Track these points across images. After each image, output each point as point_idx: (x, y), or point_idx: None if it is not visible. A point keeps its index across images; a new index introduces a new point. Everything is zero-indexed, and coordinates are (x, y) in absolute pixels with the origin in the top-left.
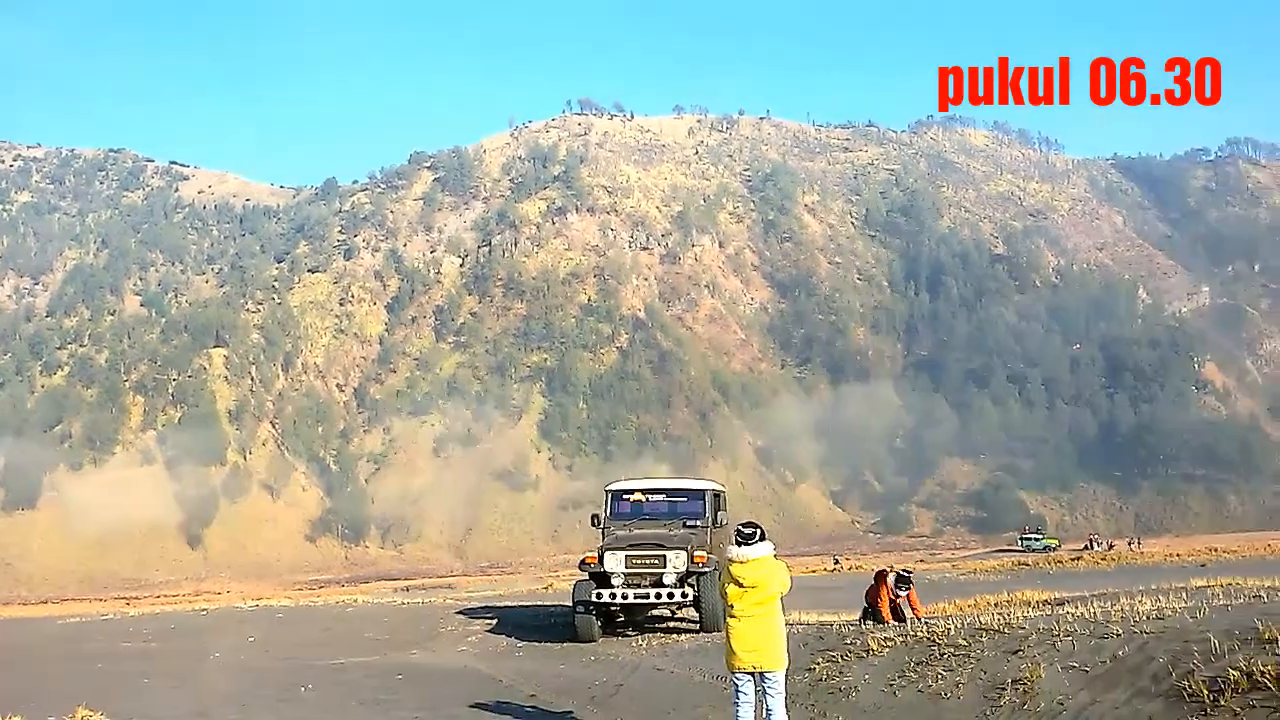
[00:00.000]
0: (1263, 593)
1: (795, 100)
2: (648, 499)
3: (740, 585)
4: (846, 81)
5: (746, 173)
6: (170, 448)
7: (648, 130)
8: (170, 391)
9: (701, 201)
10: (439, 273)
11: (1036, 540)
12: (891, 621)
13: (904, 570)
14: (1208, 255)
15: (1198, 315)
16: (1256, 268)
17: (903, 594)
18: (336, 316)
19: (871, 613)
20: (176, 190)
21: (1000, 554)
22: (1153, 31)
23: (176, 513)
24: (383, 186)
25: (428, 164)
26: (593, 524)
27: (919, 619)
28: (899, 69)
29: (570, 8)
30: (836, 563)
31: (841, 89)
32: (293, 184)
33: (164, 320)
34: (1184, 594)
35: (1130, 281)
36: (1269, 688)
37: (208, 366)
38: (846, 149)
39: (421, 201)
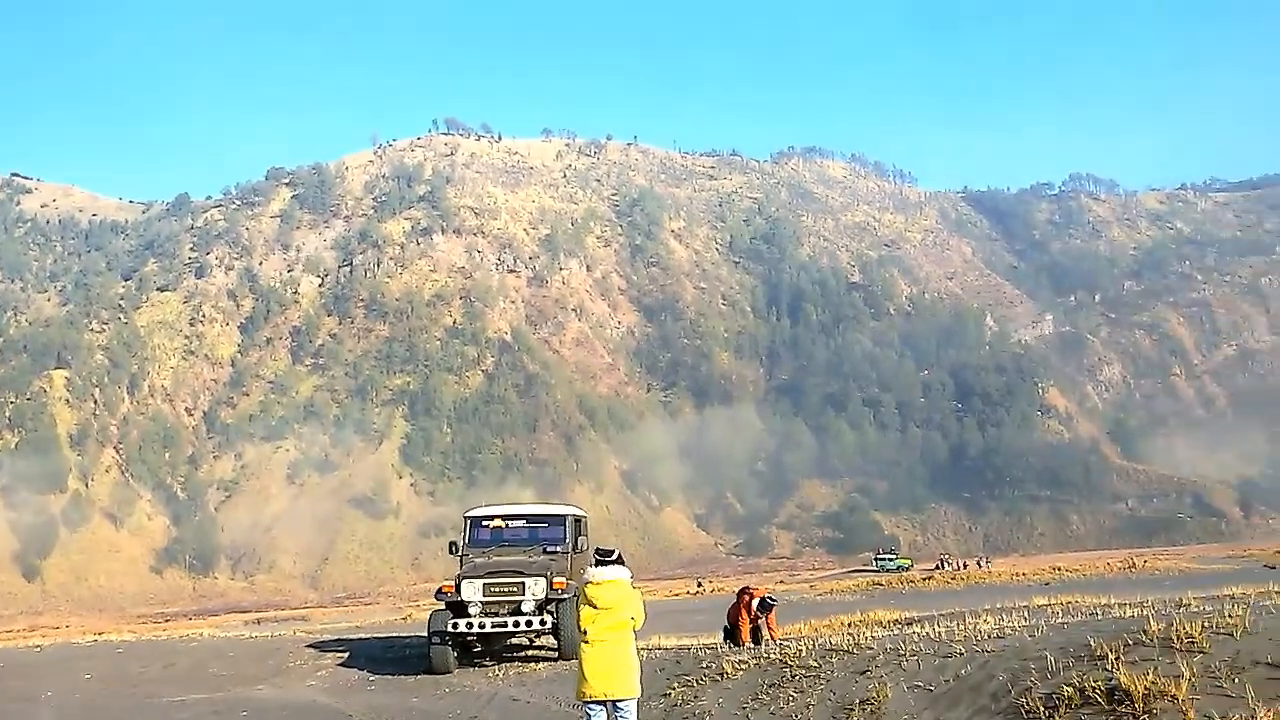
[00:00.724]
0: (1098, 610)
1: (662, 127)
2: (508, 525)
3: (594, 607)
4: (712, 110)
5: (614, 197)
6: (6, 474)
7: (516, 152)
8: (7, 415)
9: (569, 225)
10: (296, 292)
11: (890, 560)
12: (749, 642)
13: (769, 596)
14: (1051, 285)
15: (1041, 343)
16: (1096, 298)
17: (763, 616)
18: (186, 337)
19: (731, 632)
20: (18, 203)
21: (856, 574)
22: (1008, 73)
23: (11, 542)
24: (238, 203)
25: (286, 180)
26: (450, 552)
27: (774, 640)
28: (762, 99)
29: (436, 27)
30: (699, 585)
31: (707, 117)
32: (143, 199)
33: (1, 340)
34: (1025, 613)
35: (978, 310)
36: (1099, 702)
37: (48, 389)
38: (712, 176)
39: (279, 219)
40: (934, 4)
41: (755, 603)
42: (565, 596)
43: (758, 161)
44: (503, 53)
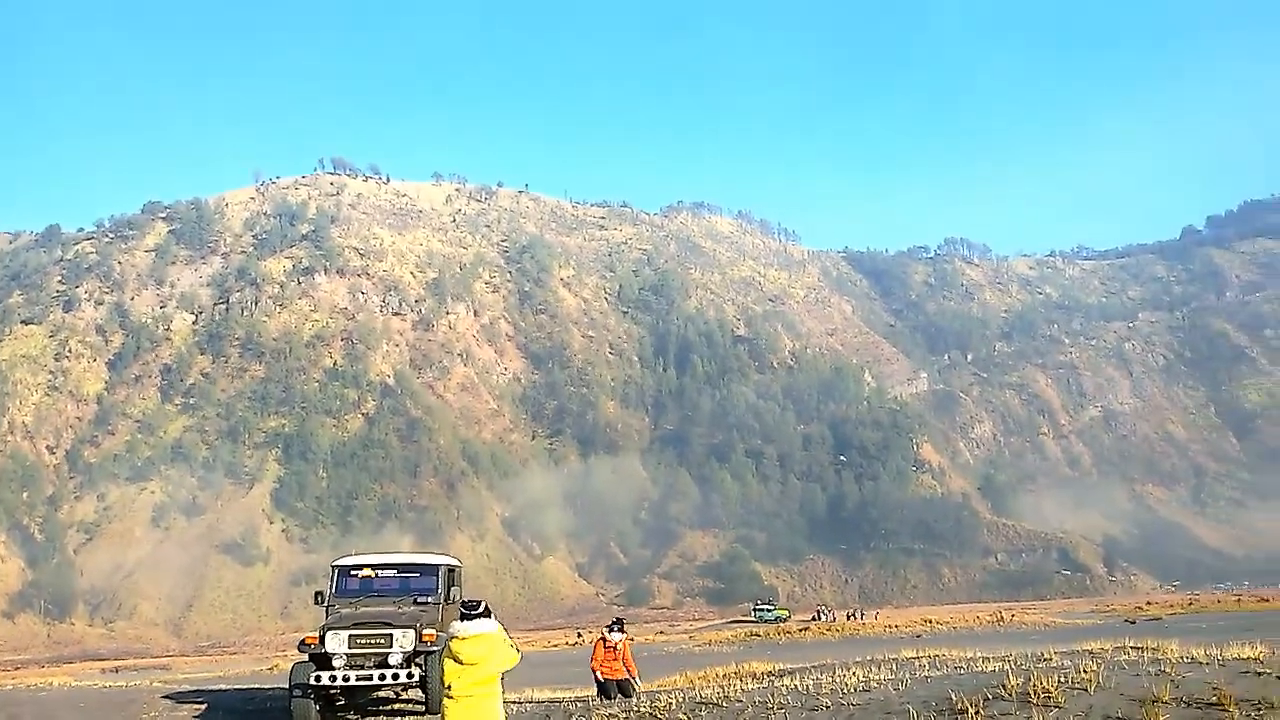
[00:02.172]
0: (963, 664)
1: (554, 176)
2: (377, 575)
3: (459, 662)
4: (603, 162)
5: (504, 243)
6: None
7: (404, 195)
8: None
9: (457, 269)
10: (169, 329)
11: (768, 611)
12: (613, 680)
13: (617, 618)
14: (926, 344)
15: (917, 399)
16: (969, 357)
17: (616, 639)
18: (51, 372)
19: (602, 686)
20: None
21: (735, 625)
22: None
23: None
24: (111, 236)
25: (163, 214)
26: (316, 601)
27: (633, 676)
28: (653, 153)
29: (325, 65)
30: (579, 636)
31: (598, 169)
32: (10, 228)
33: None
34: (894, 665)
35: (857, 366)
36: None
37: None
38: (602, 227)
39: (154, 253)
40: (819, 71)
41: (608, 630)
42: (435, 649)
43: (648, 214)
44: (393, 95)
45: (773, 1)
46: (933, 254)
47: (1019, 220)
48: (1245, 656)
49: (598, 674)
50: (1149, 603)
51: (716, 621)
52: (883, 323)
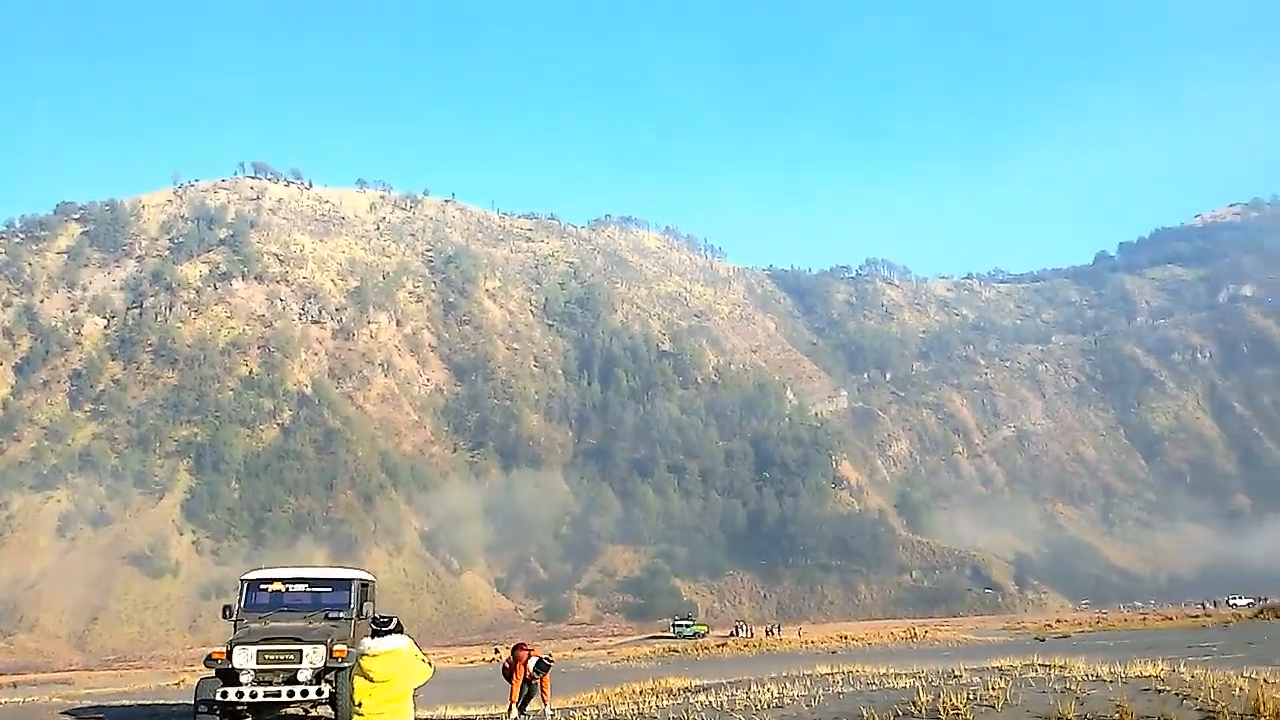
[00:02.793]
0: (875, 680)
1: (481, 186)
2: (288, 589)
3: (370, 680)
4: (531, 173)
5: (429, 253)
6: None
7: (326, 201)
8: None
9: (380, 278)
10: (80, 334)
11: (687, 627)
12: (516, 703)
13: (545, 658)
14: (847, 362)
15: (836, 417)
16: (888, 376)
17: (538, 677)
18: None
19: (508, 676)
20: None
21: (654, 640)
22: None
23: None
24: (21, 236)
25: (76, 216)
26: (225, 616)
27: (546, 702)
28: (582, 167)
29: (248, 68)
30: (496, 651)
31: (526, 180)
32: None
33: None
34: (808, 681)
35: (780, 383)
36: None
37: None
38: (529, 239)
39: (66, 255)
40: (745, 90)
41: (532, 662)
42: (345, 665)
43: (575, 227)
44: (318, 100)
45: (699, 22)
46: (854, 274)
47: (938, 242)
48: (1147, 675)
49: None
50: (1058, 620)
51: (635, 637)
52: (805, 340)
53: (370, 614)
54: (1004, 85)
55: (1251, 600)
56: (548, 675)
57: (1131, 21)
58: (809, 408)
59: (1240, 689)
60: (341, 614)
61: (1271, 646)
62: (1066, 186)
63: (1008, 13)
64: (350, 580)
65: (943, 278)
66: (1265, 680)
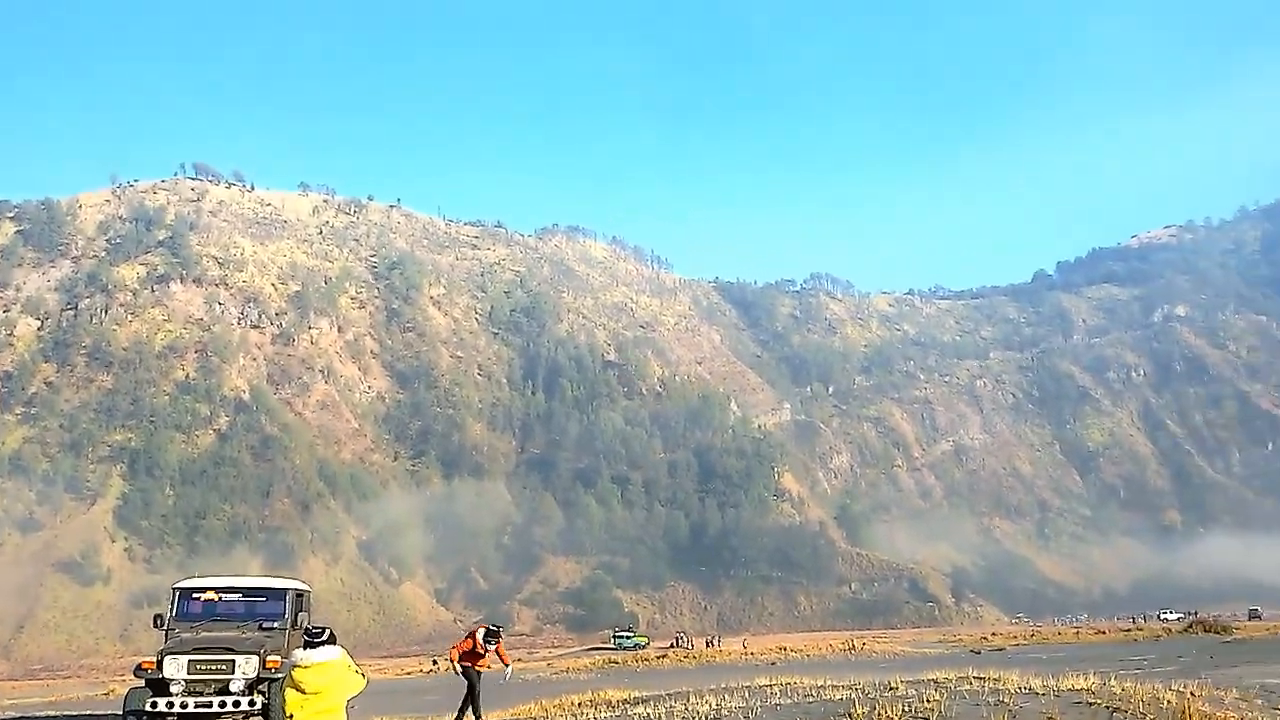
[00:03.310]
0: (813, 692)
1: (427, 192)
2: (221, 598)
3: (301, 691)
4: (479, 180)
5: (372, 259)
6: None
7: (268, 204)
8: None
9: (322, 283)
10: (12, 335)
11: (627, 638)
12: (457, 667)
13: (492, 626)
14: (790, 375)
15: (779, 429)
16: (830, 389)
17: (491, 646)
18: None
19: (465, 672)
20: None
21: (594, 652)
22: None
23: None
24: None
25: (10, 214)
26: (156, 625)
27: (506, 664)
28: (529, 175)
29: (189, 66)
30: (435, 663)
31: (473, 187)
32: None
33: None
34: (746, 693)
35: (724, 395)
36: None
37: None
38: (475, 246)
39: None
40: (693, 102)
41: (480, 633)
42: (278, 676)
43: (522, 235)
44: (261, 101)
45: (645, 33)
46: (799, 287)
47: (881, 258)
48: (1079, 688)
49: (459, 661)
50: (994, 633)
51: (576, 649)
52: (749, 353)
53: (305, 624)
54: (943, 107)
55: (1182, 615)
56: (501, 642)
57: (1065, 49)
58: (752, 420)
59: (1168, 702)
60: (275, 624)
61: (1200, 660)
62: (1006, 206)
63: (946, 38)
64: (285, 590)
65: (885, 293)
66: (1192, 693)
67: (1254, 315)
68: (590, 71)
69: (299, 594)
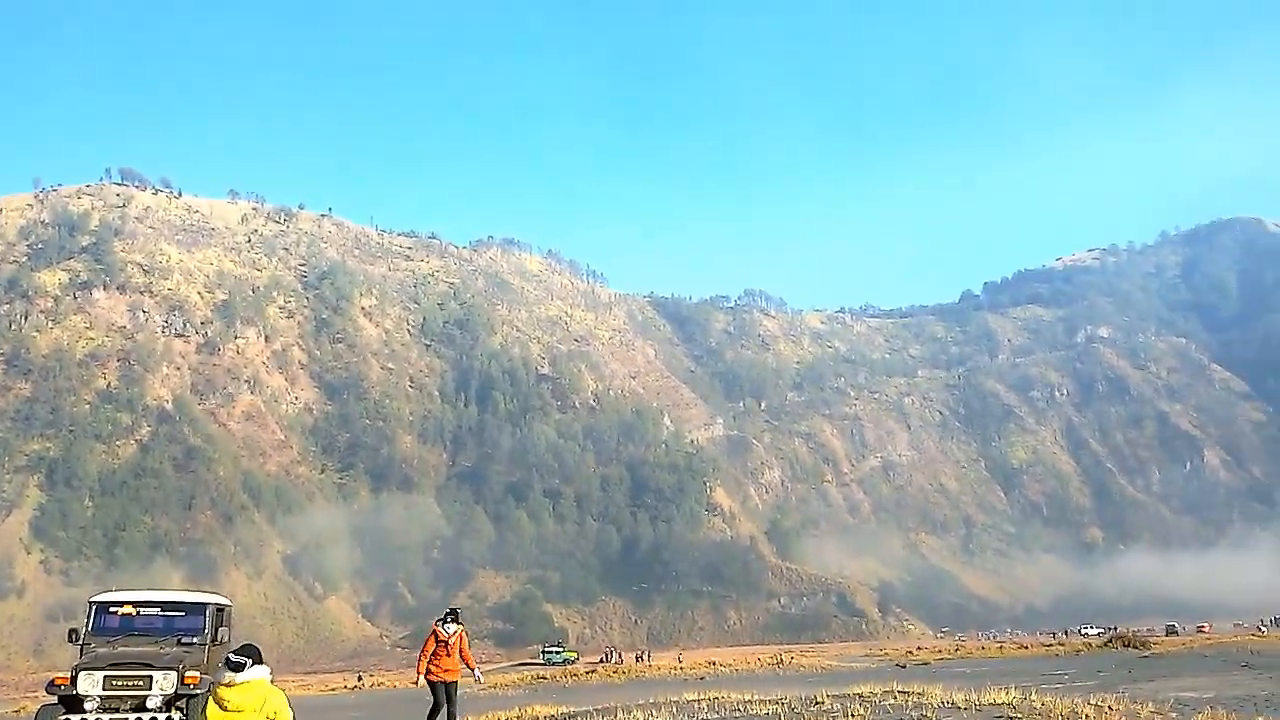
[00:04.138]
0: (740, 706)
1: (359, 202)
2: (139, 613)
3: (224, 709)
4: (412, 191)
5: (302, 268)
6: None
7: (196, 211)
8: None
9: (250, 292)
10: None
11: (557, 653)
12: (441, 682)
13: (451, 607)
14: (723, 391)
15: (712, 444)
16: (762, 405)
17: (452, 629)
18: None
19: (433, 689)
20: None
21: (523, 667)
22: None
23: None
24: None
25: None
26: (71, 640)
27: (472, 668)
28: (463, 187)
29: (116, 70)
30: (360, 679)
31: (407, 197)
32: None
33: None
34: (674, 708)
35: (657, 409)
36: None
37: None
38: (408, 257)
39: None
40: (628, 115)
41: (440, 623)
42: (198, 692)
43: (456, 247)
44: (190, 105)
45: (583, 46)
46: (733, 304)
47: (813, 276)
48: (999, 702)
49: (427, 677)
50: (919, 647)
51: (504, 664)
52: (683, 368)
53: (226, 639)
54: (875, 127)
55: (1102, 630)
56: (463, 629)
57: (995, 74)
58: (685, 435)
59: (1086, 716)
60: (195, 639)
61: (1118, 675)
62: (935, 226)
63: (880, 59)
64: (205, 605)
65: (817, 310)
66: (1110, 707)
67: (1174, 338)
68: (527, 83)
69: (220, 609)
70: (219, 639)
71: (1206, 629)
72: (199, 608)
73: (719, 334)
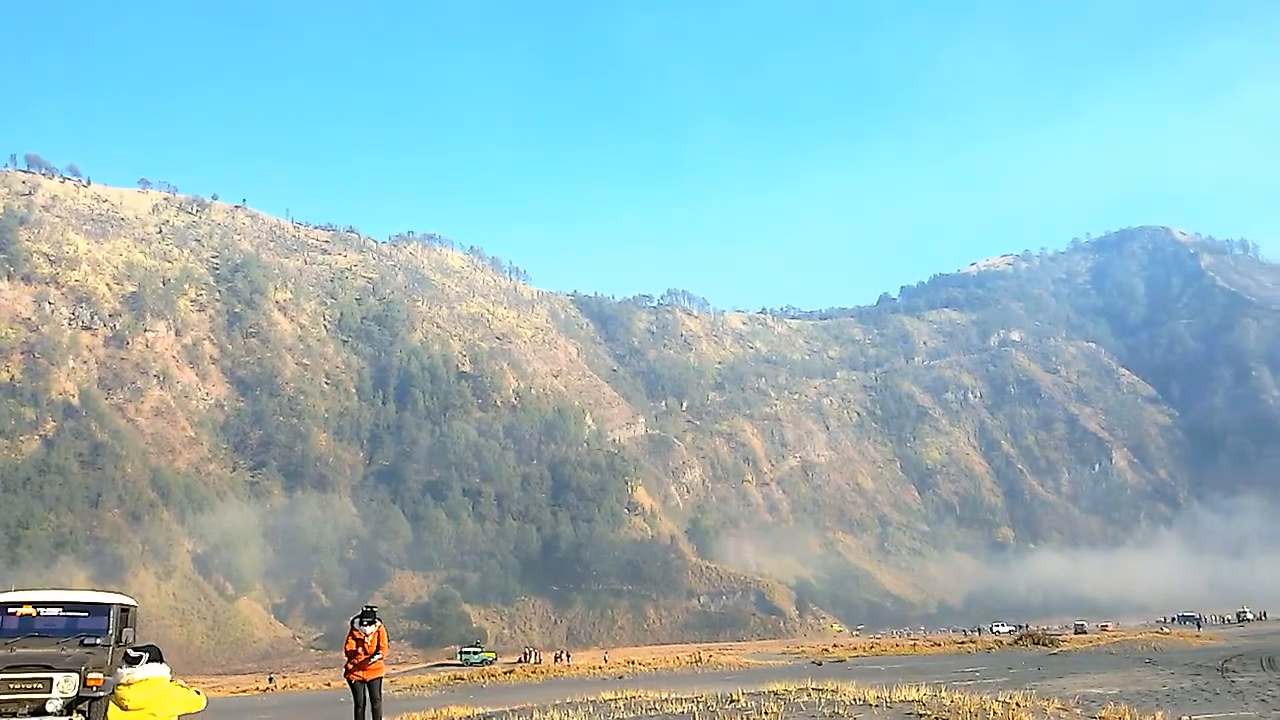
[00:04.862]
0: (656, 705)
1: (275, 194)
2: (40, 613)
3: (124, 708)
4: (330, 183)
5: (215, 260)
6: None
7: (105, 200)
8: None
9: (160, 284)
10: None
11: (475, 654)
12: (363, 683)
13: (368, 606)
14: (645, 390)
15: (634, 443)
16: (684, 405)
17: (370, 629)
18: None
19: (353, 690)
20: None
21: (440, 668)
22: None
23: None
24: None
25: None
26: None
27: (383, 654)
28: (384, 180)
29: (23, 55)
30: (271, 681)
31: (325, 190)
32: None
33: None
34: (590, 707)
35: (579, 408)
36: None
37: None
38: (325, 251)
39: None
40: (549, 115)
41: (357, 621)
42: (100, 695)
43: (375, 242)
44: (100, 91)
45: (506, 41)
46: (656, 303)
47: (735, 277)
48: (910, 699)
49: (346, 678)
50: (835, 645)
51: (421, 665)
52: (606, 367)
53: (131, 641)
54: (796, 131)
55: (1012, 628)
56: (381, 625)
57: (913, 80)
58: (607, 434)
59: (994, 712)
60: (98, 640)
61: (1027, 672)
62: (855, 230)
63: (802, 64)
64: (108, 605)
65: (739, 311)
66: (1018, 704)
67: (1083, 342)
68: (449, 78)
69: (124, 609)
70: (123, 640)
71: (1109, 628)
72: (103, 608)
73: (642, 333)
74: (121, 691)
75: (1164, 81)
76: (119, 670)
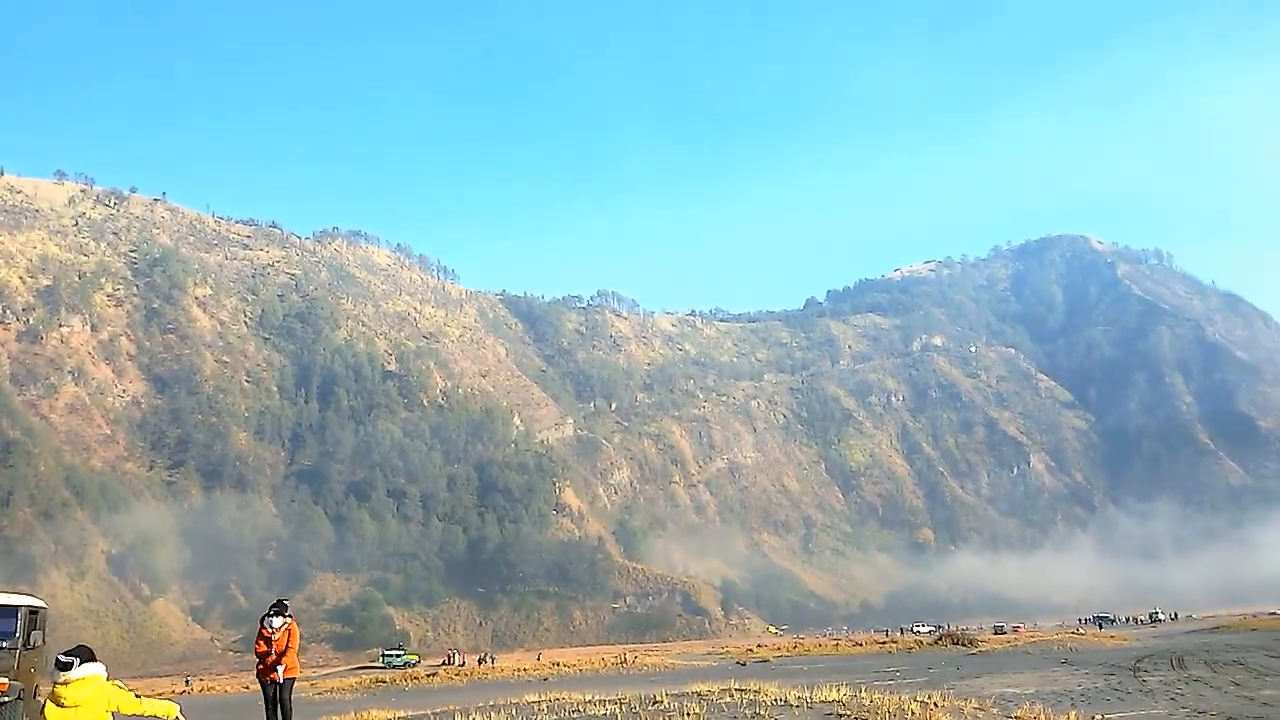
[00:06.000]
0: (580, 707)
1: (195, 187)
2: None
3: (61, 706)
4: (251, 176)
5: (132, 254)
6: None
7: (19, 191)
8: None
9: (76, 278)
10: None
11: (397, 657)
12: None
13: (280, 598)
14: (574, 391)
15: (562, 444)
16: (613, 406)
17: (278, 623)
18: None
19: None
20: None
21: (361, 671)
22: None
23: None
24: None
25: None
26: None
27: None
28: (308, 173)
29: None
30: (188, 684)
31: (245, 183)
32: None
33: None
34: (514, 710)
35: (507, 409)
36: None
37: None
38: (247, 246)
39: None
40: (481, 116)
41: (263, 618)
42: (8, 699)
43: (299, 237)
44: (13, 78)
45: (436, 35)
46: (585, 304)
47: (664, 279)
48: (830, 699)
49: (257, 676)
50: (760, 645)
51: (341, 669)
52: (534, 367)
53: (40, 643)
54: (725, 136)
55: (933, 628)
56: (293, 620)
57: (837, 89)
58: (535, 434)
59: (913, 712)
60: (5, 644)
61: (947, 672)
62: (783, 234)
63: (730, 69)
64: (16, 607)
65: (668, 313)
66: (936, 703)
67: (1003, 348)
68: (378, 74)
69: (33, 611)
70: (31, 643)
71: (1021, 629)
72: (10, 610)
73: (571, 334)
74: (59, 690)
75: (1078, 94)
76: (55, 674)
